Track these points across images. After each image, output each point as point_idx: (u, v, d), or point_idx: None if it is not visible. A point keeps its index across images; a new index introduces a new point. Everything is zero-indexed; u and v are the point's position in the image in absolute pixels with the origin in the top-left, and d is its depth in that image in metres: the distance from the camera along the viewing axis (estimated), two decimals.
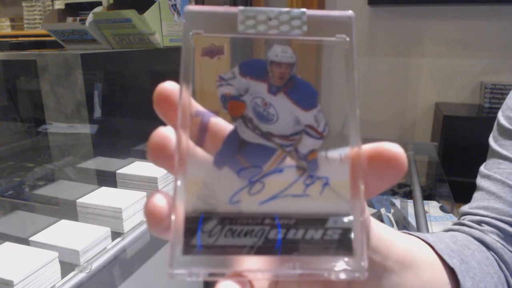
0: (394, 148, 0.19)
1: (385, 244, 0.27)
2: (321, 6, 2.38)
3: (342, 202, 0.18)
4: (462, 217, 0.47)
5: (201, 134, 0.19)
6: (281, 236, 0.18)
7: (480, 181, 0.48)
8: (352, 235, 0.18)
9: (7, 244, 0.63)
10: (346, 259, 0.18)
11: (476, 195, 0.48)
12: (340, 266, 0.18)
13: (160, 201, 0.17)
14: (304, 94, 0.20)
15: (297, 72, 0.20)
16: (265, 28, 0.19)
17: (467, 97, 2.36)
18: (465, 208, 0.48)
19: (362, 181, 0.19)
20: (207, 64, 0.20)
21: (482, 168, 0.48)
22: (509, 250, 0.41)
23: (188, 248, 0.17)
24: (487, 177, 0.47)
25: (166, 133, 0.18)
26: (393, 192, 1.15)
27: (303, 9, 0.20)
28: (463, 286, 0.34)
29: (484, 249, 0.41)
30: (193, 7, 0.20)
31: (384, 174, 0.19)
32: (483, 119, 2.14)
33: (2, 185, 1.03)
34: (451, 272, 0.35)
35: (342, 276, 0.18)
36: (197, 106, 0.19)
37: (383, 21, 2.39)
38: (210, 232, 0.17)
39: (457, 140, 2.09)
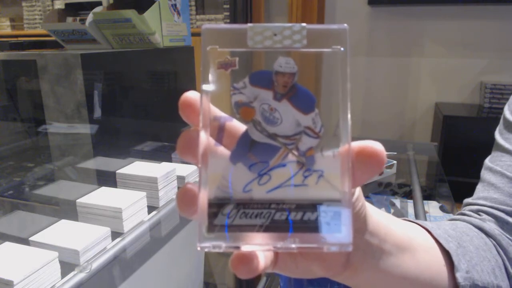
0: (376, 146, 0.23)
1: (383, 229, 0.30)
2: (321, 6, 2.38)
3: (333, 190, 0.22)
4: (464, 208, 0.49)
5: (219, 134, 0.23)
6: (284, 217, 0.22)
7: (483, 173, 0.49)
8: (341, 217, 0.22)
9: (7, 244, 0.63)
10: (335, 235, 0.21)
11: (479, 186, 0.49)
12: (330, 241, 0.21)
13: (188, 191, 0.22)
14: (304, 100, 0.23)
15: (298, 80, 0.23)
16: (271, 42, 0.23)
17: (467, 97, 2.36)
18: (467, 199, 0.50)
19: (350, 173, 0.22)
20: (222, 75, 0.23)
21: (486, 161, 0.50)
22: (507, 237, 0.42)
23: (211, 227, 0.21)
24: (489, 169, 0.48)
25: (191, 134, 0.22)
26: (393, 192, 1.15)
27: (303, 24, 0.23)
28: (457, 268, 0.36)
29: (483, 235, 0.42)
30: (209, 25, 0.23)
31: (367, 167, 0.23)
32: (483, 119, 2.14)
33: (2, 185, 1.03)
34: (448, 256, 0.36)
35: (332, 249, 0.21)
36: (216, 111, 0.23)
37: (383, 21, 2.39)
38: (228, 214, 0.22)
39: (457, 140, 2.09)
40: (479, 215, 0.45)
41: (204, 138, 0.22)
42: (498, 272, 0.39)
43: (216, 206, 0.22)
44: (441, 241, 0.36)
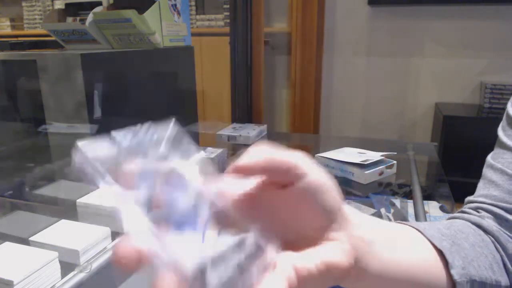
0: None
1: (368, 232, 0.30)
2: (321, 6, 2.38)
3: None
4: (465, 206, 0.49)
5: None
6: None
7: (485, 170, 0.49)
8: None
9: (7, 244, 0.63)
10: None
11: (480, 183, 0.49)
12: None
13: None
14: None
15: None
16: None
17: (467, 97, 2.36)
18: (469, 197, 0.50)
19: None
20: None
21: (488, 157, 0.50)
22: (505, 233, 0.42)
23: None
24: (491, 166, 0.48)
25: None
26: (393, 192, 1.15)
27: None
28: (452, 265, 0.36)
29: (480, 232, 0.42)
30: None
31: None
32: (483, 119, 2.14)
33: (2, 185, 1.03)
34: (443, 256, 0.36)
35: None
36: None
37: (383, 21, 2.39)
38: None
39: (457, 140, 2.09)
40: (478, 212, 0.45)
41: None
42: (496, 268, 0.39)
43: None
44: (434, 240, 0.37)
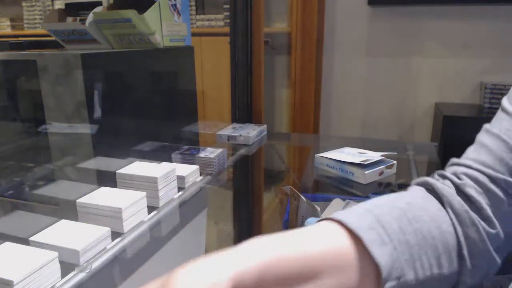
0: None
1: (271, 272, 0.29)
2: (321, 6, 2.38)
3: None
4: (448, 167, 0.46)
5: None
6: None
7: (479, 134, 0.47)
8: None
9: (7, 244, 0.63)
10: None
11: (471, 147, 0.46)
12: None
13: None
14: None
15: None
16: None
17: (467, 97, 2.35)
18: (455, 159, 0.46)
19: None
20: None
21: (485, 124, 0.47)
22: (479, 207, 0.40)
23: None
24: (486, 130, 0.46)
25: None
26: (393, 192, 1.15)
27: None
28: (386, 278, 0.33)
29: (443, 214, 0.40)
30: None
31: None
32: (483, 119, 2.13)
33: (2, 185, 1.03)
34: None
35: None
36: None
37: (383, 21, 2.39)
38: None
39: (457, 140, 2.08)
40: (459, 179, 0.43)
41: None
42: (445, 259, 0.37)
43: None
44: (373, 249, 0.33)
